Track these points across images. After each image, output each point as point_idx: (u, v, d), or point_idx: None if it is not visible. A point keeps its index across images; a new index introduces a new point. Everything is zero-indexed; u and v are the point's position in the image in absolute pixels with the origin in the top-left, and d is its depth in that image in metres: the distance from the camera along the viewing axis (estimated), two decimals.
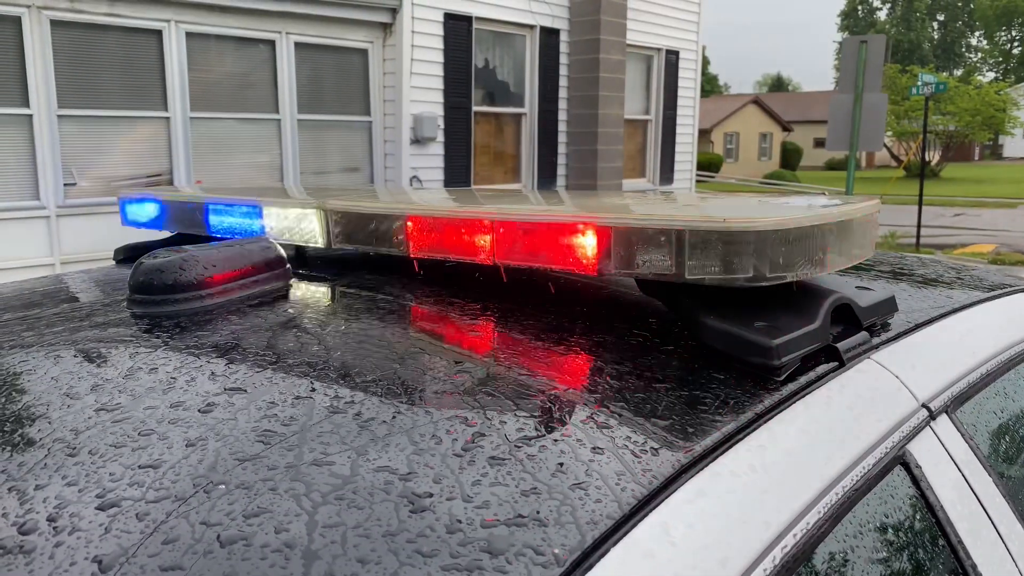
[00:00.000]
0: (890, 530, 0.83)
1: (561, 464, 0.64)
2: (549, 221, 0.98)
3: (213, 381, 0.79)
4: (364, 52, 8.71)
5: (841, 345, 0.90)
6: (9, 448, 0.69)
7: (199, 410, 0.73)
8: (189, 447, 0.66)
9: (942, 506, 0.87)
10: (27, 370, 0.86)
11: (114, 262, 1.59)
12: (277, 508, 0.58)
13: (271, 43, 7.99)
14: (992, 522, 0.92)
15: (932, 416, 0.93)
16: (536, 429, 0.69)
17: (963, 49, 73.53)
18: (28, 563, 0.54)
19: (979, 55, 72.64)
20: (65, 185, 6.83)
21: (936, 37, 72.99)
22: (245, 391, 0.77)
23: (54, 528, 0.57)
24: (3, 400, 0.80)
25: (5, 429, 0.73)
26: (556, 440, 0.68)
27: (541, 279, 1.20)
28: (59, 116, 6.69)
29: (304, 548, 0.54)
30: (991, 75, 67.55)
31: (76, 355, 0.90)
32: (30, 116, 6.56)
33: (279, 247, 1.18)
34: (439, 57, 9.00)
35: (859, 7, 74.94)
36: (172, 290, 1.03)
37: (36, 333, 1.01)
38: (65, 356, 0.90)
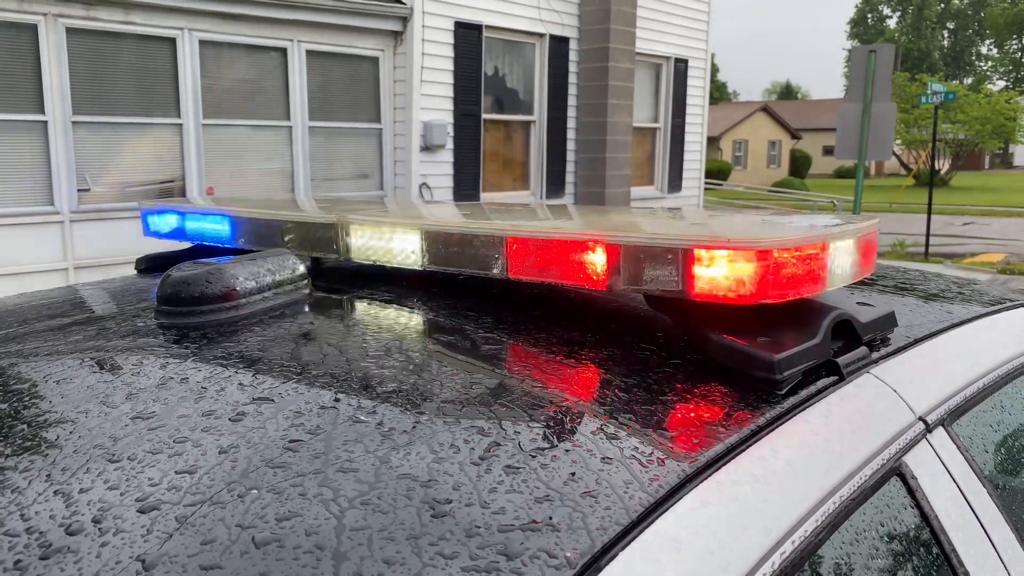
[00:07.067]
0: (885, 539, 0.87)
1: (573, 473, 0.68)
2: (561, 238, 1.02)
3: (242, 391, 0.83)
4: (375, 60, 8.78)
5: (841, 360, 0.93)
6: (53, 453, 0.73)
7: (230, 419, 0.77)
8: (222, 454, 0.70)
9: (937, 516, 0.90)
10: (64, 379, 0.91)
11: (136, 271, 1.63)
12: (307, 512, 0.62)
13: (283, 51, 8.07)
14: (986, 533, 0.95)
15: (928, 429, 0.96)
16: (549, 439, 0.73)
17: (973, 58, 73.33)
18: (76, 562, 0.58)
19: (989, 64, 72.42)
20: (79, 191, 6.91)
21: (946, 45, 72.81)
22: (272, 401, 0.81)
23: (99, 529, 0.61)
24: (44, 407, 0.84)
25: (47, 435, 0.77)
26: (568, 450, 0.72)
27: (552, 293, 1.24)
28: (74, 123, 6.78)
29: (333, 550, 0.58)
30: (1001, 83, 67.35)
31: (110, 364, 0.94)
32: (45, 123, 6.65)
33: (299, 260, 1.22)
34: (449, 65, 9.06)
35: (869, 15, 74.85)
36: (199, 302, 1.07)
37: (69, 343, 1.05)
38: (99, 365, 0.94)
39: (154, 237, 1.65)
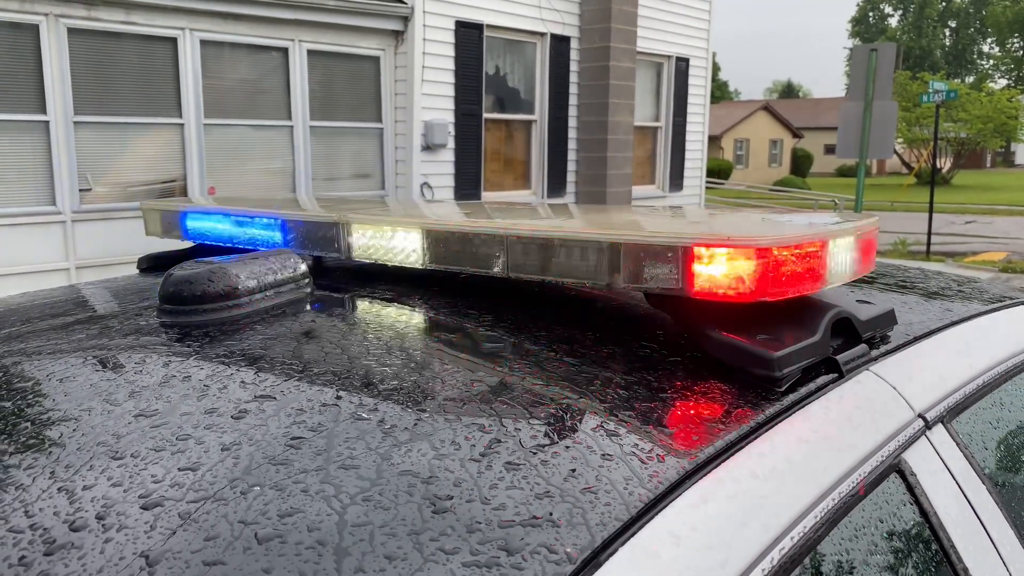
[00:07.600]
0: (884, 535, 0.87)
1: (573, 469, 0.68)
2: (562, 237, 1.03)
3: (244, 389, 0.84)
4: (376, 59, 8.78)
5: (840, 357, 0.94)
6: (56, 450, 0.74)
7: (232, 416, 0.78)
8: (225, 451, 0.71)
9: (936, 512, 0.91)
10: (67, 377, 0.91)
11: (138, 271, 1.63)
12: (309, 508, 0.62)
13: (284, 51, 8.07)
14: (985, 529, 0.95)
15: (928, 426, 0.97)
16: (549, 436, 0.74)
17: (975, 56, 73.21)
18: (80, 558, 0.59)
19: (991, 62, 72.30)
20: (81, 191, 6.92)
21: (948, 44, 72.70)
22: (274, 398, 0.81)
23: (103, 525, 0.62)
24: (47, 405, 0.84)
25: (51, 433, 0.78)
26: (568, 447, 0.72)
27: (553, 292, 1.24)
28: (75, 123, 6.78)
29: (335, 545, 0.58)
30: (1003, 82, 67.24)
31: (112, 363, 0.95)
32: (47, 123, 6.65)
33: (300, 258, 1.22)
34: (450, 64, 9.06)
35: (870, 14, 74.74)
36: (201, 300, 1.07)
37: (71, 341, 1.06)
38: (102, 364, 0.95)
39: (155, 236, 1.65)
